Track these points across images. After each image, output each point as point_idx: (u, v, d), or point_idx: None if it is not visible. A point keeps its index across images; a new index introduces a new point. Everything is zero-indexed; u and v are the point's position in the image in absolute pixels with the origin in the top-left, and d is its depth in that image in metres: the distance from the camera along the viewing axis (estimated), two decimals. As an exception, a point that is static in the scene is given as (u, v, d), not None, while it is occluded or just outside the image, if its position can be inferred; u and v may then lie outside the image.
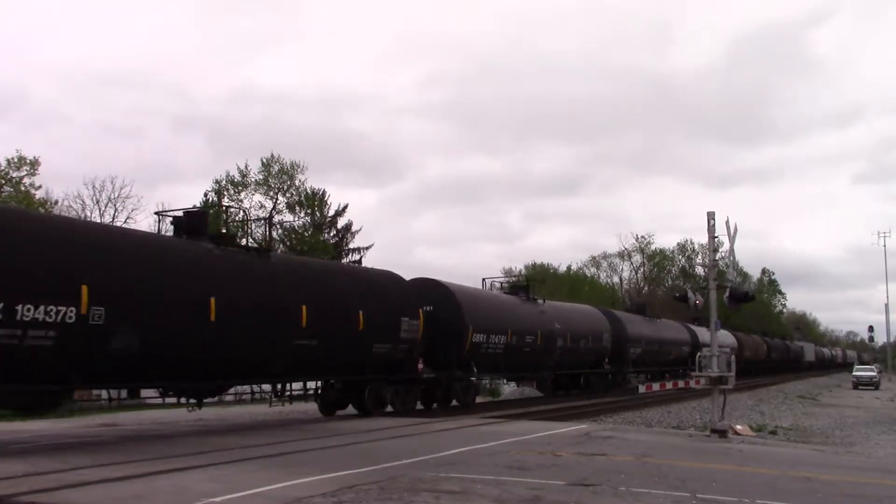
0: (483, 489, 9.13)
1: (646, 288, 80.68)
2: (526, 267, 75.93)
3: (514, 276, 74.38)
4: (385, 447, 13.47)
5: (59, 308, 12.31)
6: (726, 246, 18.65)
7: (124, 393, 18.29)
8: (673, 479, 10.38)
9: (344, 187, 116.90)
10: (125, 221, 39.72)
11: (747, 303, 23.13)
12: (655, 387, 33.99)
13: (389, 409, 21.07)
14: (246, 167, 46.62)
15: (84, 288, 12.71)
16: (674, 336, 43.05)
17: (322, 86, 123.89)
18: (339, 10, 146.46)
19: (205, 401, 17.37)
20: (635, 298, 59.75)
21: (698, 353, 18.54)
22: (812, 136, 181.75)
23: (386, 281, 21.88)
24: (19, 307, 11.76)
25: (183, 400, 16.93)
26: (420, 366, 22.35)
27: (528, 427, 17.50)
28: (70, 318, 12.46)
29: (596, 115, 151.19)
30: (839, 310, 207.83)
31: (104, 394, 20.26)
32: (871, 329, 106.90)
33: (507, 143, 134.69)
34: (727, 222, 18.23)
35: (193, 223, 16.97)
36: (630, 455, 12.96)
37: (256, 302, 16.37)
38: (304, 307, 17.59)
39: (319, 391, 20.87)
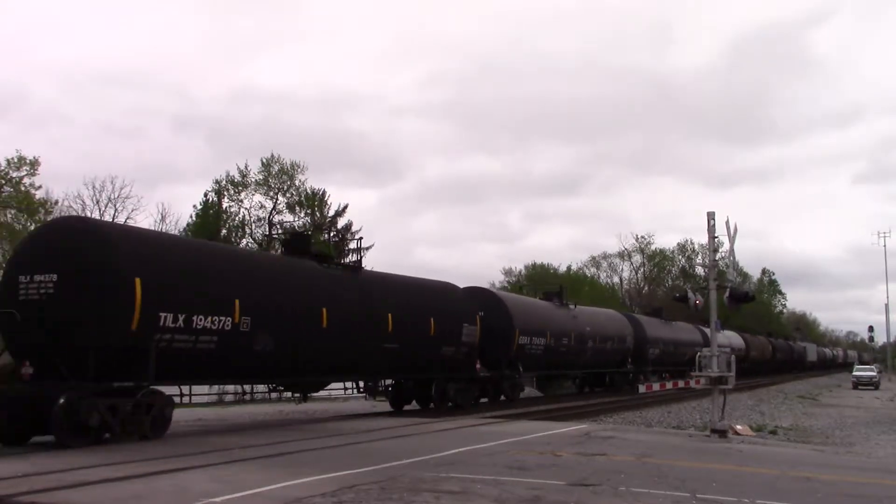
0: (483, 489, 9.14)
1: (646, 288, 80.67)
2: (526, 267, 75.92)
3: (515, 277, 74.47)
4: (385, 447, 13.47)
5: (220, 318, 15.27)
6: (726, 246, 18.66)
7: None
8: (673, 479, 10.38)
9: (344, 187, 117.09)
10: (125, 222, 39.70)
11: (747, 303, 23.14)
12: (655, 387, 34.06)
13: (450, 404, 23.82)
14: (246, 167, 46.70)
15: (237, 302, 15.70)
16: (688, 337, 45.58)
17: (322, 86, 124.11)
18: (339, 9, 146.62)
19: (204, 400, 18.51)
20: (652, 302, 60.84)
21: (698, 353, 18.54)
22: (812, 136, 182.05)
23: (449, 291, 24.91)
24: (195, 318, 14.69)
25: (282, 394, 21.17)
26: (478, 365, 25.11)
27: (528, 427, 17.50)
28: (227, 326, 15.40)
29: (596, 116, 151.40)
30: (839, 310, 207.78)
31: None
32: (871, 329, 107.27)
33: (506, 143, 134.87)
34: (727, 222, 18.25)
35: (298, 244, 20.48)
36: (630, 455, 12.97)
37: (355, 311, 19.31)
38: (389, 315, 20.51)
39: (391, 388, 24.15)
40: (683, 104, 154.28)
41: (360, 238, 48.93)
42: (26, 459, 11.14)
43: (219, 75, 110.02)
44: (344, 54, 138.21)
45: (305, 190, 47.64)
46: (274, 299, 16.87)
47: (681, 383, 37.38)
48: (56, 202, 37.99)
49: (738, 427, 20.59)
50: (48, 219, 30.63)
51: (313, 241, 43.93)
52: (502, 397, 27.48)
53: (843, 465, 14.34)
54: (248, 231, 46.81)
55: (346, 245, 48.81)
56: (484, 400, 26.40)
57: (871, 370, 60.86)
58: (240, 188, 46.65)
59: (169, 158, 78.18)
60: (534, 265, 76.43)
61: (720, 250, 18.93)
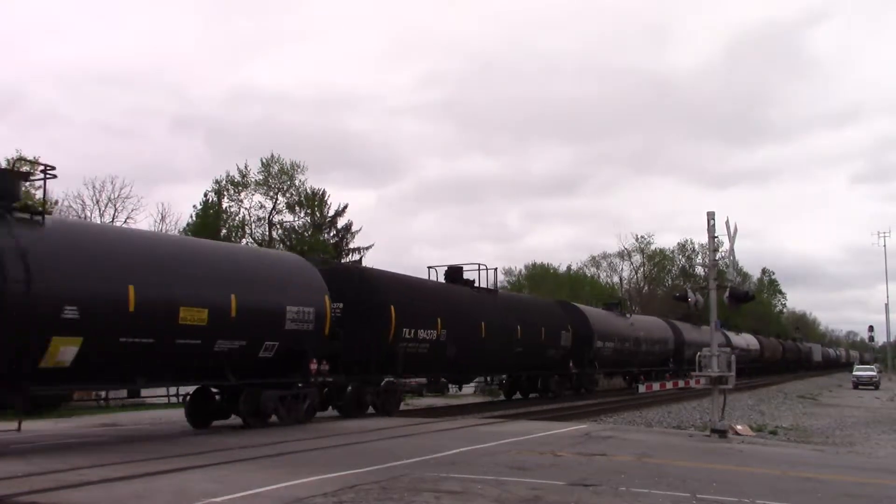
0: (483, 489, 9.14)
1: (646, 288, 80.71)
2: (526, 267, 75.99)
3: (514, 277, 74.49)
4: (385, 447, 13.47)
5: (430, 331, 22.50)
6: (726, 246, 18.65)
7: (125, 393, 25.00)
8: (673, 479, 10.38)
9: (343, 187, 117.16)
10: (125, 222, 39.72)
11: (747, 302, 23.14)
12: (655, 387, 34.07)
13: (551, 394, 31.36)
14: (246, 167, 46.72)
15: (439, 320, 22.99)
16: (720, 339, 47.93)
17: (320, 86, 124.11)
18: (338, 9, 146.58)
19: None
20: (652, 302, 62.41)
21: (698, 353, 18.54)
22: (810, 136, 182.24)
23: (551, 306, 33.55)
24: (420, 331, 22.02)
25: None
26: (570, 364, 31.97)
27: (528, 427, 17.50)
28: (433, 337, 22.66)
29: (594, 115, 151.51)
30: (838, 310, 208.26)
31: (103, 393, 25.31)
32: (871, 329, 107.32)
33: (505, 143, 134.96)
34: (727, 222, 18.26)
35: (455, 274, 27.01)
36: (630, 455, 12.96)
37: (497, 324, 26.22)
38: (518, 327, 27.74)
39: (504, 381, 32.06)
40: (682, 104, 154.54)
41: (363, 248, 49.07)
42: (26, 459, 11.14)
43: (217, 76, 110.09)
44: (342, 54, 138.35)
45: (305, 190, 47.68)
46: (457, 317, 24.00)
47: (681, 383, 37.40)
48: (56, 202, 37.97)
49: (739, 427, 20.58)
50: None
51: (313, 242, 44.24)
52: (582, 390, 33.99)
53: (843, 465, 14.33)
54: (247, 231, 46.85)
55: (346, 245, 48.83)
56: (568, 391, 32.76)
57: (871, 370, 60.86)
58: (240, 188, 46.70)
59: (167, 159, 78.26)
60: (534, 265, 76.48)
61: (720, 250, 18.93)
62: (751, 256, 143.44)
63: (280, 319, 16.56)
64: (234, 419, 16.91)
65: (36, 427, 17.46)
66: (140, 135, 75.96)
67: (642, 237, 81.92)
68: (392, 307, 20.94)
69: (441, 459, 11.66)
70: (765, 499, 9.24)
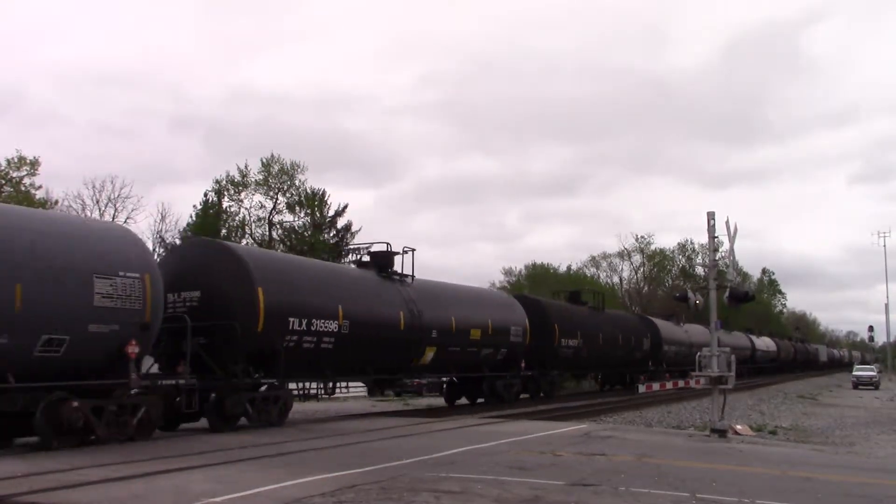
0: (483, 489, 9.14)
1: (646, 288, 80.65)
2: (526, 267, 75.85)
3: (515, 277, 74.44)
4: (385, 447, 13.47)
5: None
6: (726, 246, 18.65)
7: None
8: (673, 479, 10.38)
9: (341, 187, 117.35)
10: (125, 221, 39.71)
11: (747, 302, 23.12)
12: (655, 387, 34.03)
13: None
14: (246, 167, 46.66)
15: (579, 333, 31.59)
16: (742, 341, 58.92)
17: (319, 86, 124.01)
18: (336, 10, 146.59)
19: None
20: (652, 302, 62.82)
21: (698, 353, 18.54)
22: (808, 136, 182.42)
23: (624, 317, 41.48)
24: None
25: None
26: (650, 363, 40.16)
27: (528, 427, 17.50)
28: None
29: (594, 116, 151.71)
30: (838, 310, 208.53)
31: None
32: (870, 329, 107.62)
33: (504, 143, 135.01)
34: (727, 222, 18.25)
35: (575, 296, 35.78)
36: (630, 455, 12.97)
37: (604, 335, 34.37)
38: (620, 336, 36.14)
39: (599, 377, 40.36)
40: (681, 104, 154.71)
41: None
42: (26, 460, 11.14)
43: (216, 76, 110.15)
44: (341, 54, 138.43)
45: (305, 190, 47.64)
46: (600, 337, 34.06)
47: (681, 383, 37.37)
48: (56, 202, 38.02)
49: (738, 427, 20.59)
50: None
51: (313, 242, 44.23)
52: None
53: (843, 464, 14.33)
54: (247, 231, 46.83)
55: (346, 245, 48.78)
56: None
57: (871, 370, 60.85)
58: (240, 188, 46.66)
59: (166, 159, 78.24)
60: (534, 265, 76.40)
61: (720, 250, 18.93)
62: (750, 256, 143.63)
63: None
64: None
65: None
66: (139, 135, 76.07)
67: (642, 237, 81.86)
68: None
69: (441, 459, 11.66)
70: (765, 498, 9.25)
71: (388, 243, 22.38)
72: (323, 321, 18.11)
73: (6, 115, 65.19)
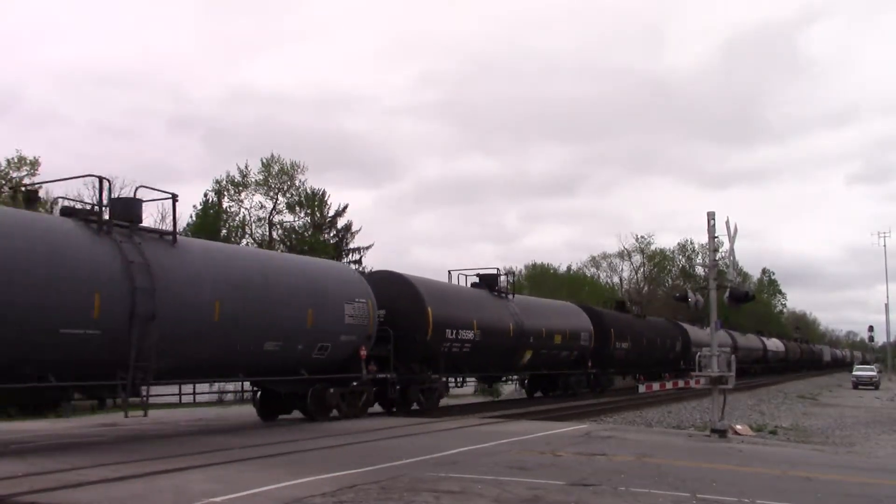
0: (483, 489, 9.14)
1: (646, 288, 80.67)
2: (526, 267, 75.95)
3: (514, 277, 74.45)
4: (385, 447, 13.47)
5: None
6: (726, 246, 18.65)
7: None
8: (673, 479, 10.38)
9: (341, 187, 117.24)
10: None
11: (747, 302, 23.12)
12: (655, 387, 34.00)
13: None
14: (246, 167, 46.71)
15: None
16: (755, 343, 63.64)
17: (318, 86, 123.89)
18: (335, 10, 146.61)
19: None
20: (652, 302, 63.67)
21: (698, 353, 18.54)
22: (807, 136, 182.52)
23: (660, 322, 44.63)
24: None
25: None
26: (682, 362, 42.44)
27: (528, 427, 17.50)
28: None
29: (593, 116, 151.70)
30: (837, 310, 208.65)
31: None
32: (870, 329, 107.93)
33: (504, 143, 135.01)
34: (727, 222, 18.25)
35: (621, 305, 39.54)
36: (630, 455, 12.96)
37: (647, 339, 38.97)
38: (658, 339, 40.68)
39: (638, 375, 41.37)
40: (680, 104, 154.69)
41: (363, 248, 49.11)
42: (26, 459, 11.14)
43: (215, 76, 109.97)
44: (340, 55, 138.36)
45: (305, 190, 47.67)
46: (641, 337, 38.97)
47: (681, 383, 37.40)
48: (56, 202, 37.95)
49: (738, 427, 20.58)
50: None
51: (313, 242, 44.23)
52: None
53: (843, 464, 14.33)
54: (248, 231, 46.85)
55: (346, 245, 48.81)
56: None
57: (871, 370, 60.80)
58: (240, 188, 46.69)
59: (166, 159, 78.25)
60: (534, 265, 76.48)
61: (720, 250, 18.93)
62: (750, 256, 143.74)
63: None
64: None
65: (36, 427, 17.47)
66: (139, 135, 76.04)
67: (642, 237, 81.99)
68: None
69: (441, 459, 11.66)
70: (765, 498, 9.24)
71: (497, 268, 28.43)
72: (466, 331, 23.54)
73: (6, 116, 65.22)
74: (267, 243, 45.09)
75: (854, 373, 60.38)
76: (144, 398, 14.22)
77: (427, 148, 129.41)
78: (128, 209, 14.86)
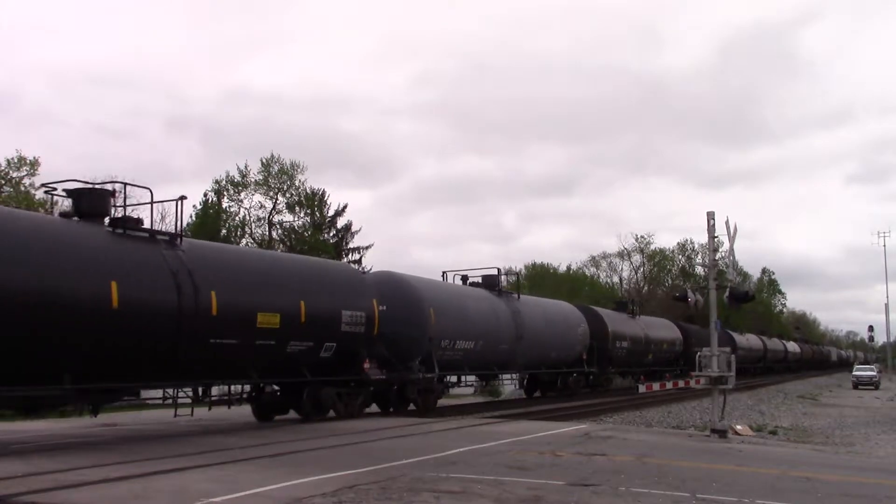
0: (483, 489, 9.13)
1: (646, 288, 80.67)
2: (526, 267, 75.88)
3: (515, 276, 74.42)
4: (385, 447, 13.46)
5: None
6: (726, 246, 18.66)
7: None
8: (673, 479, 10.38)
9: (338, 188, 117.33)
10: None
11: (747, 302, 23.13)
12: (655, 387, 33.96)
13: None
14: (246, 167, 46.70)
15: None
16: (777, 346, 72.51)
17: (315, 87, 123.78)
18: (330, 10, 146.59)
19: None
20: (652, 302, 63.43)
21: (698, 353, 18.53)
22: (803, 136, 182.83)
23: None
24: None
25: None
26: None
27: (528, 427, 17.49)
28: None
29: (589, 116, 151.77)
30: (836, 310, 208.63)
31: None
32: (870, 329, 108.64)
33: (500, 144, 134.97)
34: (727, 222, 18.26)
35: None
36: (630, 455, 12.96)
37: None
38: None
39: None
40: (676, 105, 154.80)
41: (363, 248, 49.13)
42: (26, 459, 11.14)
43: (212, 76, 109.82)
44: (336, 55, 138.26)
45: (305, 190, 47.66)
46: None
47: (681, 383, 37.36)
48: (56, 202, 37.94)
49: (738, 427, 20.59)
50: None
51: (313, 242, 44.22)
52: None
53: (843, 465, 14.33)
54: (248, 231, 46.84)
55: (346, 244, 48.81)
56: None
57: (871, 370, 60.80)
58: (240, 188, 46.69)
59: (162, 159, 78.14)
60: (534, 265, 76.45)
61: (720, 250, 18.94)
62: (749, 256, 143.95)
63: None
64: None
65: (36, 427, 17.46)
66: (136, 135, 75.98)
67: (642, 237, 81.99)
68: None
69: (441, 459, 11.66)
70: (765, 499, 9.24)
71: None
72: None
73: (3, 116, 65.17)
74: (267, 243, 45.08)
75: (854, 373, 60.38)
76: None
77: (424, 148, 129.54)
78: (494, 280, 27.02)
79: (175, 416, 16.65)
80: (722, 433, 17.50)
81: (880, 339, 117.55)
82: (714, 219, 18.26)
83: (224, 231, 43.91)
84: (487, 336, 25.13)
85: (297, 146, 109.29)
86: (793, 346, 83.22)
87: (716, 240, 18.41)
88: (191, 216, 44.22)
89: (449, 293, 24.72)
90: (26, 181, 36.82)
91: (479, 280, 27.71)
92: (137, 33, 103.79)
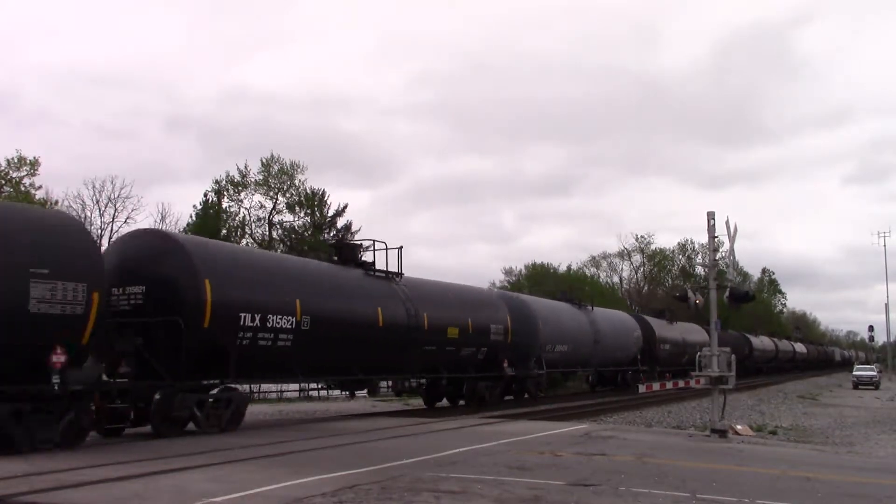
0: (483, 489, 9.14)
1: (646, 288, 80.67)
2: (526, 267, 75.88)
3: (515, 277, 74.48)
4: (385, 447, 13.47)
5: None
6: (726, 246, 18.65)
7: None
8: (673, 479, 10.38)
9: (337, 188, 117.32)
10: (125, 221, 39.70)
11: (747, 302, 23.12)
12: (655, 387, 33.99)
13: None
14: (246, 167, 46.67)
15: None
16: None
17: (313, 87, 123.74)
18: (328, 10, 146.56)
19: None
20: (651, 302, 65.45)
21: (698, 353, 18.53)
22: (802, 137, 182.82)
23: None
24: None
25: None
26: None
27: (528, 427, 17.49)
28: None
29: (588, 116, 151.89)
30: (836, 310, 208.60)
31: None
32: (871, 329, 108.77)
33: (499, 144, 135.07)
34: (727, 222, 18.26)
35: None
36: (630, 455, 12.96)
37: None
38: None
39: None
40: (675, 105, 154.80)
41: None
42: (26, 459, 11.13)
43: (210, 76, 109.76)
44: (335, 55, 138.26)
45: (305, 190, 47.65)
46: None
47: (681, 383, 37.38)
48: (56, 202, 37.98)
49: (738, 427, 20.59)
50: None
51: (313, 242, 44.22)
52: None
53: (843, 464, 14.34)
54: (248, 231, 46.83)
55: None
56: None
57: (871, 370, 60.78)
58: (240, 188, 46.67)
59: (161, 159, 78.00)
60: (534, 265, 76.38)
61: (720, 250, 18.94)
62: (748, 257, 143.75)
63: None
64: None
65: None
66: (135, 135, 75.90)
67: (642, 237, 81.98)
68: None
69: (441, 459, 11.66)
70: (765, 499, 9.24)
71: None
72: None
73: (2, 117, 65.12)
74: (267, 243, 45.08)
75: (854, 373, 60.34)
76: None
77: (423, 148, 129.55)
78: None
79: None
80: (722, 433, 17.50)
81: (880, 339, 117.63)
82: (714, 219, 18.26)
83: (224, 231, 43.91)
84: (575, 341, 31.78)
85: (297, 146, 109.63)
86: (800, 347, 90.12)
87: (716, 240, 18.41)
88: (190, 216, 44.27)
89: (550, 308, 31.41)
90: (26, 181, 36.85)
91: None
92: (137, 33, 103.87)
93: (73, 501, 8.29)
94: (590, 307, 35.54)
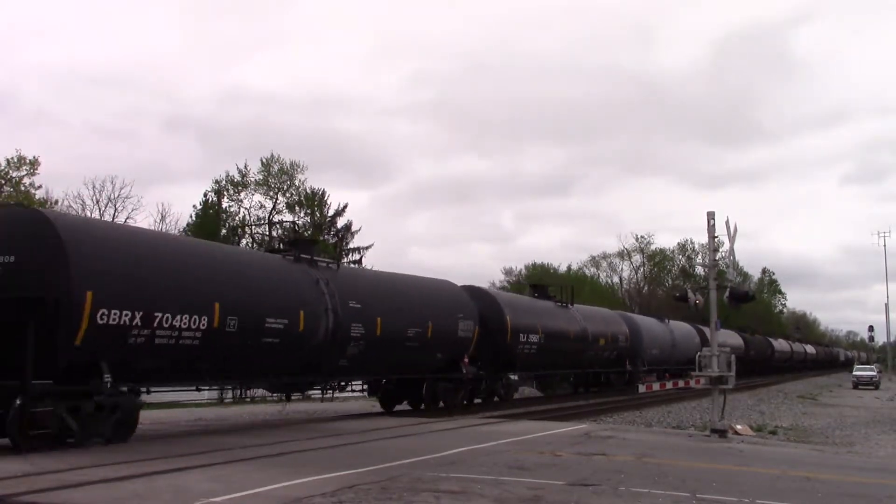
0: (483, 489, 9.14)
1: (646, 288, 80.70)
2: (526, 267, 76.01)
3: (515, 276, 74.54)
4: (385, 447, 13.47)
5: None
6: (726, 246, 18.65)
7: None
8: (673, 479, 10.38)
9: (336, 188, 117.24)
10: (125, 221, 39.69)
11: (747, 302, 23.12)
12: (655, 387, 33.99)
13: None
14: (246, 167, 46.70)
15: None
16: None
17: (312, 87, 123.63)
18: (326, 11, 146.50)
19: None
20: (651, 302, 64.93)
21: (698, 353, 18.54)
22: (799, 137, 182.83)
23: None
24: None
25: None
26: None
27: (528, 427, 17.50)
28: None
29: (586, 116, 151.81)
30: (835, 310, 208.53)
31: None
32: (871, 329, 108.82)
33: (497, 144, 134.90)
34: (727, 222, 18.26)
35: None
36: (630, 455, 12.97)
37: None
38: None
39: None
40: (673, 105, 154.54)
41: (363, 248, 49.19)
42: (26, 459, 11.13)
43: (209, 77, 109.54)
44: (333, 55, 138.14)
45: (305, 190, 47.69)
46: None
47: (681, 383, 37.38)
48: (56, 202, 38.02)
49: (738, 427, 20.59)
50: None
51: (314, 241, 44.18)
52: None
53: (843, 464, 14.34)
54: (248, 231, 46.85)
55: (346, 244, 48.83)
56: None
57: (871, 370, 60.81)
58: (239, 188, 46.70)
59: (160, 159, 78.05)
60: (534, 265, 76.47)
61: (720, 250, 18.94)
62: (748, 257, 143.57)
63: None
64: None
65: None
66: (134, 135, 75.86)
67: (642, 237, 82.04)
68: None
69: (441, 459, 11.66)
70: (765, 498, 9.24)
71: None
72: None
73: (1, 117, 65.11)
74: (267, 243, 45.10)
75: (854, 373, 60.36)
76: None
77: (422, 148, 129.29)
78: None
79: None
80: (722, 433, 17.50)
81: (880, 339, 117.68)
82: (714, 219, 18.26)
83: (224, 231, 43.92)
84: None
85: (296, 146, 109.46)
86: (810, 349, 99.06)
87: (716, 240, 18.41)
88: (190, 216, 44.32)
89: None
90: (26, 181, 36.87)
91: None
92: (136, 34, 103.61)
93: (73, 501, 8.29)
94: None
